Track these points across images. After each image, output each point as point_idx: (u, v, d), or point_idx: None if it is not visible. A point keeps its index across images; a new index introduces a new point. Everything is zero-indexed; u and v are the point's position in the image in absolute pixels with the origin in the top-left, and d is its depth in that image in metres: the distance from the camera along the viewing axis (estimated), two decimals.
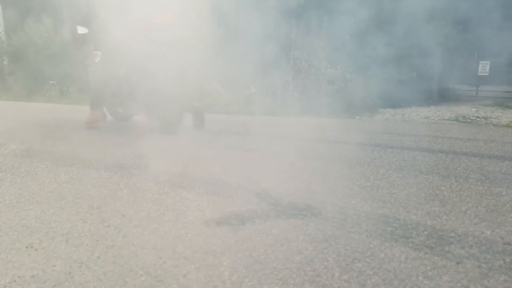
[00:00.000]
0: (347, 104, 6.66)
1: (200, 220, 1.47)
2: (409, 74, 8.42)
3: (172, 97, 3.19)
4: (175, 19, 3.11)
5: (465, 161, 2.42)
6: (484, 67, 9.88)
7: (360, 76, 7.42)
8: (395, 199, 1.70)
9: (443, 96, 10.06)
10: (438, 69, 9.26)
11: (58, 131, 3.61)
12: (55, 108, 5.26)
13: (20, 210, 1.60)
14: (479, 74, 10.13)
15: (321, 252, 1.21)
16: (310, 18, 7.34)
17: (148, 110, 3.58)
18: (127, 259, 1.18)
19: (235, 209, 1.58)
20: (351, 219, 1.47)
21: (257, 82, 7.82)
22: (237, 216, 1.51)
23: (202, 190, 1.83)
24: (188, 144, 3.03)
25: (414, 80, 8.67)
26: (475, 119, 5.54)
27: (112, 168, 2.24)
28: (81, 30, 4.01)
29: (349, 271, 1.10)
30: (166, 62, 3.01)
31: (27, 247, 1.26)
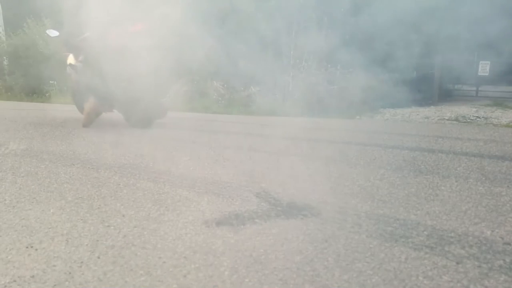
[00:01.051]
0: (347, 104, 6.66)
1: (200, 220, 1.47)
2: (409, 74, 8.42)
3: (145, 95, 3.62)
4: (149, 27, 3.52)
5: (465, 161, 2.42)
6: (484, 67, 9.87)
7: (360, 76, 7.42)
8: (395, 199, 1.70)
9: (443, 96, 10.06)
10: (438, 69, 9.26)
11: (58, 131, 3.61)
12: (55, 108, 5.26)
13: (20, 210, 1.60)
14: (479, 74, 10.12)
15: (321, 252, 1.21)
16: (310, 18, 7.34)
17: (124, 107, 3.89)
18: (127, 259, 1.18)
19: (235, 209, 1.58)
20: (351, 219, 1.47)
21: (257, 82, 7.82)
22: (237, 216, 1.51)
23: (202, 190, 1.83)
24: (188, 144, 3.03)
25: (414, 80, 8.67)
26: (475, 119, 5.54)
27: (112, 168, 2.24)
28: (53, 33, 4.34)
29: (349, 271, 1.10)
30: (140, 64, 3.37)
31: (27, 247, 1.26)
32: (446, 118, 5.74)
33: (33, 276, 1.09)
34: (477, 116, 5.78)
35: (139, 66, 3.38)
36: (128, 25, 3.52)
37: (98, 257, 1.19)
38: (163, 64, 3.43)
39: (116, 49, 3.42)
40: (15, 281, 1.07)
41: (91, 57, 3.66)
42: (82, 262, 1.16)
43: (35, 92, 9.46)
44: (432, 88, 9.50)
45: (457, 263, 1.14)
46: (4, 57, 10.97)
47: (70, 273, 1.10)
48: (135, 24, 3.53)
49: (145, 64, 3.37)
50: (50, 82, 9.57)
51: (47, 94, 9.20)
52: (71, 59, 4.09)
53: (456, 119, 5.56)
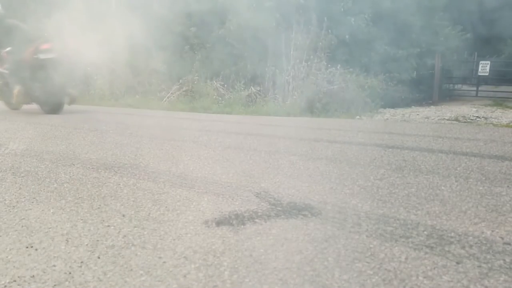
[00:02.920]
0: (347, 104, 6.66)
1: (200, 220, 1.47)
2: (409, 74, 8.43)
3: (53, 90, 4.99)
4: (54, 45, 4.96)
5: (465, 161, 2.42)
6: (484, 67, 9.88)
7: (360, 76, 7.42)
8: (395, 199, 1.70)
9: (443, 96, 10.07)
10: (438, 69, 9.27)
11: (58, 131, 3.61)
12: None
13: (20, 210, 1.60)
14: (479, 74, 10.13)
15: (321, 252, 1.21)
16: (310, 18, 7.34)
17: (39, 100, 5.18)
18: (127, 259, 1.18)
19: (235, 209, 1.58)
20: (351, 219, 1.47)
21: (257, 82, 7.81)
22: (237, 216, 1.51)
23: (202, 190, 1.83)
24: (188, 144, 3.03)
25: (414, 80, 8.68)
26: (475, 119, 5.54)
27: (112, 168, 2.24)
28: None
29: (349, 271, 1.10)
30: (49, 69, 4.87)
31: (27, 247, 1.26)
32: (446, 118, 5.74)
33: (33, 276, 1.09)
34: (477, 116, 5.78)
35: (47, 70, 4.84)
36: (39, 43, 4.85)
37: (98, 257, 1.19)
38: (66, 68, 5.01)
39: (30, 60, 4.82)
40: (15, 281, 1.07)
41: (12, 65, 5.05)
42: (82, 262, 1.16)
43: None
44: (432, 88, 9.49)
45: (457, 263, 1.14)
46: None
47: (70, 273, 1.10)
48: (44, 43, 4.89)
49: (50, 69, 4.85)
50: None
51: None
52: None
53: (456, 119, 5.56)
